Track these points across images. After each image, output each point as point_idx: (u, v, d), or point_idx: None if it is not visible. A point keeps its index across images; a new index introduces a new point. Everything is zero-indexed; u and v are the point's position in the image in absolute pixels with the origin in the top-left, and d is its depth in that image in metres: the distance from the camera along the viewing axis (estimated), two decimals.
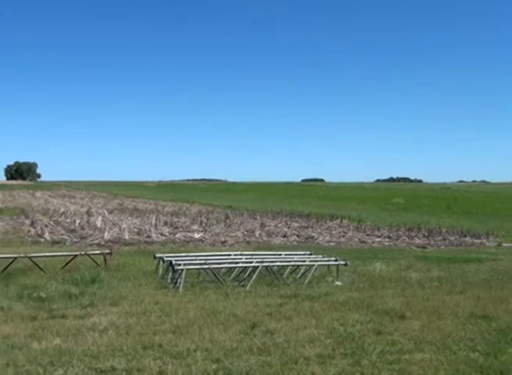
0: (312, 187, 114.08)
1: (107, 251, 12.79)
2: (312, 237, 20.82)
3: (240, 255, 12.60)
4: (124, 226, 22.53)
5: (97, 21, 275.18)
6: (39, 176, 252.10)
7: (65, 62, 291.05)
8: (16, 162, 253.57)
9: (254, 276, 10.79)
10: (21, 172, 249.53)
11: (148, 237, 19.82)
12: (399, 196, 58.50)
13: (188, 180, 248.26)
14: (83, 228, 22.45)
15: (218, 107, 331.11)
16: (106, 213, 30.19)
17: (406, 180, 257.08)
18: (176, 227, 23.46)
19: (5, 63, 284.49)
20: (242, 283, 10.79)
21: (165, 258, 11.46)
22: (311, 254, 12.86)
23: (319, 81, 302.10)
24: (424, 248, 18.66)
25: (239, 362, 6.34)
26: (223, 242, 19.00)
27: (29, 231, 21.62)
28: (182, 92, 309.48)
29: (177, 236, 20.32)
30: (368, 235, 21.94)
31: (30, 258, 11.90)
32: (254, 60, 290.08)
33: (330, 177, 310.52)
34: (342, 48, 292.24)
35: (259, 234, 21.20)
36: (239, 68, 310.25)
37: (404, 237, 21.21)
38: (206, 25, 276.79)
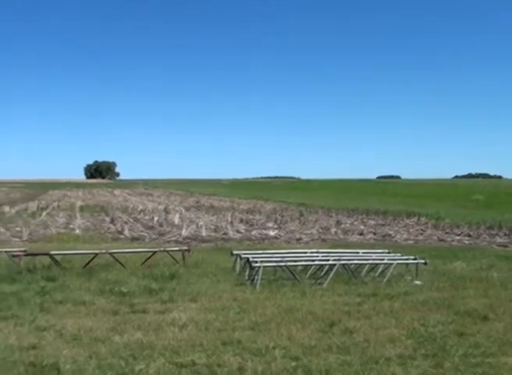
0: (388, 184, 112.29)
1: (185, 247, 12.98)
2: (389, 235, 20.48)
3: (316, 252, 12.51)
4: (201, 223, 22.84)
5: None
6: (118, 174, 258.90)
7: (140, 62, 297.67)
8: (96, 162, 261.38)
9: (331, 274, 10.69)
10: (100, 171, 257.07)
11: (225, 234, 20.02)
12: (478, 193, 56.80)
13: (261, 177, 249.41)
14: (161, 225, 22.92)
15: (291, 104, 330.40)
16: (183, 211, 30.71)
17: (485, 176, 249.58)
18: (252, 225, 23.60)
19: (87, 65, 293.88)
20: (319, 281, 10.71)
21: (242, 256, 11.52)
22: (389, 252, 12.64)
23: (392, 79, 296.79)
24: (505, 246, 18.01)
25: (318, 360, 6.28)
26: (298, 240, 18.97)
27: (109, 228, 22.25)
28: (255, 92, 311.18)
29: (253, 233, 20.43)
30: (446, 233, 21.40)
31: (111, 254, 12.22)
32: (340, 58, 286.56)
33: (406, 174, 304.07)
34: None
35: (335, 232, 21.05)
36: (318, 66, 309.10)
37: (485, 236, 20.53)
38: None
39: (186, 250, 12.68)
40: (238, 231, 20.91)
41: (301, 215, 28.15)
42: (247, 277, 10.82)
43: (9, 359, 6.21)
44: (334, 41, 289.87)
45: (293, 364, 6.15)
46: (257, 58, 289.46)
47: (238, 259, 11.65)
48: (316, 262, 11.45)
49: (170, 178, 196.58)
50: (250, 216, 27.51)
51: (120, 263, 11.89)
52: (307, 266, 11.51)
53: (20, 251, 12.19)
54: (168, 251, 12.63)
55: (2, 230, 20.96)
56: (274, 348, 6.65)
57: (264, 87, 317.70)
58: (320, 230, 21.45)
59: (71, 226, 23.11)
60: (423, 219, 26.06)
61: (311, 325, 7.70)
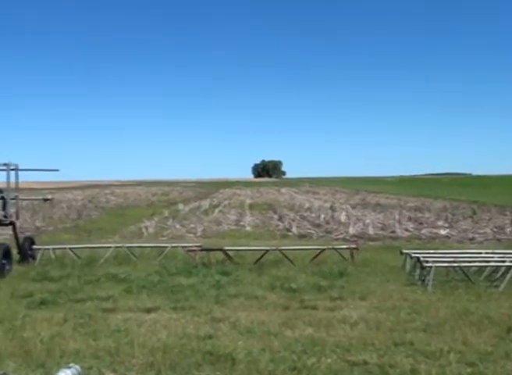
0: None
1: (353, 245, 12.93)
2: None
3: (492, 253, 11.89)
4: (368, 221, 22.62)
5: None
6: (284, 173, 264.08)
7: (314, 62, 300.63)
8: (263, 161, 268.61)
9: (508, 277, 10.09)
10: (267, 170, 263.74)
11: (393, 232, 19.66)
12: None
13: (429, 174, 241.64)
14: (327, 223, 23.01)
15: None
16: (349, 208, 30.60)
17: None
18: (421, 223, 22.95)
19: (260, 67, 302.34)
20: (494, 284, 10.16)
21: (412, 255, 11.24)
22: None
23: None
24: None
25: (495, 367, 5.96)
26: (471, 239, 18.13)
27: (277, 225, 22.73)
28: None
29: (422, 232, 19.85)
30: None
31: (280, 250, 12.49)
32: None
33: None
34: None
35: (510, 232, 19.84)
36: None
37: None
38: None
39: (354, 248, 12.63)
40: (406, 230, 20.42)
41: (474, 213, 26.87)
42: (417, 277, 10.54)
43: (188, 347, 6.57)
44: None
45: (469, 370, 5.90)
46: None
47: (408, 259, 11.38)
48: (491, 264, 10.88)
49: (335, 176, 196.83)
50: (419, 214, 26.75)
51: (289, 260, 12.11)
52: (481, 267, 10.97)
53: (196, 246, 12.84)
54: (336, 249, 12.66)
55: (178, 226, 22.19)
56: (448, 351, 6.41)
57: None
58: (494, 230, 20.33)
59: (241, 223, 23.91)
60: None
61: (487, 330, 7.32)
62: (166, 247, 13.24)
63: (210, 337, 7.00)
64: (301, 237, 18.85)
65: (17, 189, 13.36)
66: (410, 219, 24.33)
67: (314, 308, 8.42)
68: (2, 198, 12.96)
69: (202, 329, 7.35)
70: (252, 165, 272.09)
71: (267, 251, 12.39)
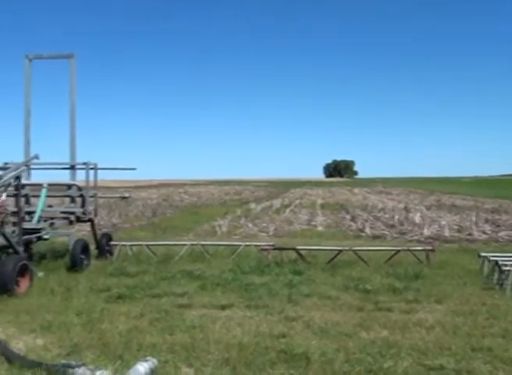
0: None
1: (429, 247, 12.67)
2: None
3: None
4: (443, 222, 22.11)
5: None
6: (356, 173, 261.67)
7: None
8: (334, 161, 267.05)
9: None
10: (339, 170, 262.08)
11: (469, 234, 19.13)
12: None
13: (506, 175, 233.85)
14: (401, 224, 22.63)
15: None
16: (424, 209, 30.00)
17: None
18: (498, 225, 22.23)
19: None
20: None
21: (490, 258, 10.92)
22: None
23: None
24: None
25: None
26: None
27: (350, 226, 22.53)
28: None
29: (500, 234, 19.23)
30: None
31: (354, 251, 12.38)
32: None
33: None
34: None
35: None
36: None
37: None
38: None
39: (430, 250, 12.37)
40: (483, 232, 19.84)
41: None
42: (495, 281, 10.22)
43: (262, 345, 6.60)
44: None
45: None
46: None
47: (485, 262, 11.07)
48: None
49: (408, 176, 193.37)
50: (496, 216, 25.93)
51: (363, 261, 11.99)
52: None
53: (268, 245, 12.89)
54: (411, 251, 12.44)
55: (250, 225, 22.33)
56: None
57: None
58: None
59: (313, 223, 23.84)
60: None
61: None
62: (239, 245, 13.35)
63: (284, 335, 7.01)
64: (375, 237, 18.61)
65: (95, 187, 13.77)
66: (487, 221, 23.60)
67: (389, 310, 8.30)
68: (82, 195, 13.40)
69: (276, 327, 7.37)
70: (323, 164, 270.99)
71: (340, 251, 12.30)
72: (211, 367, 5.93)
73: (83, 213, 13.34)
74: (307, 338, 6.88)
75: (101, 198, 15.26)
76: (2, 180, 10.18)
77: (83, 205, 13.41)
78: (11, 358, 6.15)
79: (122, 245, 13.58)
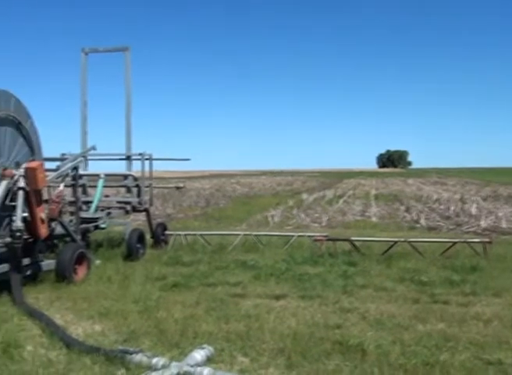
0: None
1: (486, 239, 12.40)
2: None
3: None
4: (500, 214, 21.60)
5: None
6: (410, 163, 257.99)
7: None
8: (388, 151, 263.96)
9: None
10: (392, 160, 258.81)
11: None
12: None
13: None
14: (457, 215, 22.20)
15: None
16: (480, 200, 29.36)
17: None
18: None
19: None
20: None
21: None
22: None
23: None
24: None
25: None
26: None
27: (404, 217, 22.22)
28: None
29: None
30: None
31: (409, 242, 12.22)
32: None
33: None
34: None
35: None
36: None
37: None
38: None
39: (487, 242, 12.10)
40: None
41: None
42: None
43: (316, 335, 6.59)
44: None
45: None
46: None
47: None
48: None
49: (463, 166, 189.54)
50: None
51: (419, 252, 11.83)
52: None
53: (322, 236, 12.83)
54: (468, 243, 12.20)
55: (303, 215, 22.29)
56: None
57: None
58: None
59: (367, 213, 23.62)
60: None
61: None
62: (293, 236, 13.35)
63: (338, 326, 6.99)
64: (430, 229, 18.31)
65: (151, 177, 13.98)
66: None
67: (446, 302, 8.16)
68: (137, 185, 13.63)
69: (331, 318, 7.37)
70: (377, 155, 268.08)
71: (395, 242, 12.16)
72: (266, 357, 5.96)
73: (139, 203, 13.58)
74: (362, 330, 6.84)
75: (155, 188, 15.48)
76: (60, 171, 10.44)
77: (138, 195, 13.65)
78: (69, 343, 6.32)
79: (177, 235, 13.76)
